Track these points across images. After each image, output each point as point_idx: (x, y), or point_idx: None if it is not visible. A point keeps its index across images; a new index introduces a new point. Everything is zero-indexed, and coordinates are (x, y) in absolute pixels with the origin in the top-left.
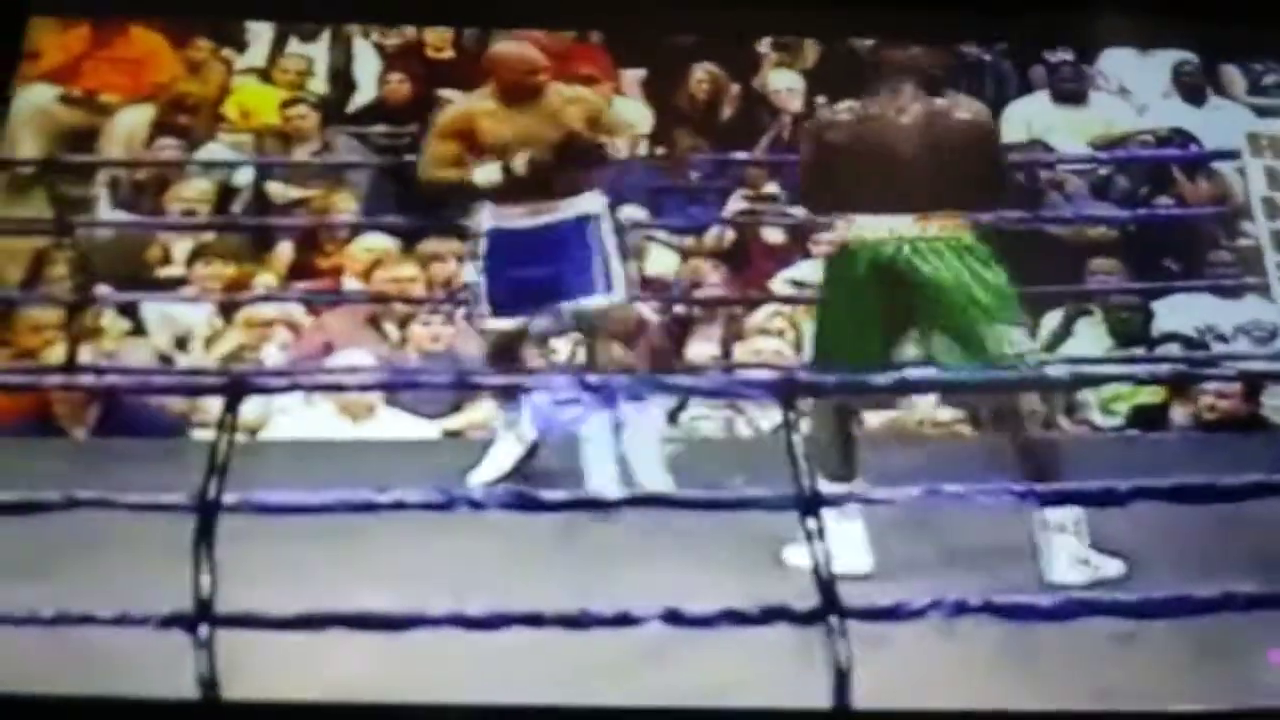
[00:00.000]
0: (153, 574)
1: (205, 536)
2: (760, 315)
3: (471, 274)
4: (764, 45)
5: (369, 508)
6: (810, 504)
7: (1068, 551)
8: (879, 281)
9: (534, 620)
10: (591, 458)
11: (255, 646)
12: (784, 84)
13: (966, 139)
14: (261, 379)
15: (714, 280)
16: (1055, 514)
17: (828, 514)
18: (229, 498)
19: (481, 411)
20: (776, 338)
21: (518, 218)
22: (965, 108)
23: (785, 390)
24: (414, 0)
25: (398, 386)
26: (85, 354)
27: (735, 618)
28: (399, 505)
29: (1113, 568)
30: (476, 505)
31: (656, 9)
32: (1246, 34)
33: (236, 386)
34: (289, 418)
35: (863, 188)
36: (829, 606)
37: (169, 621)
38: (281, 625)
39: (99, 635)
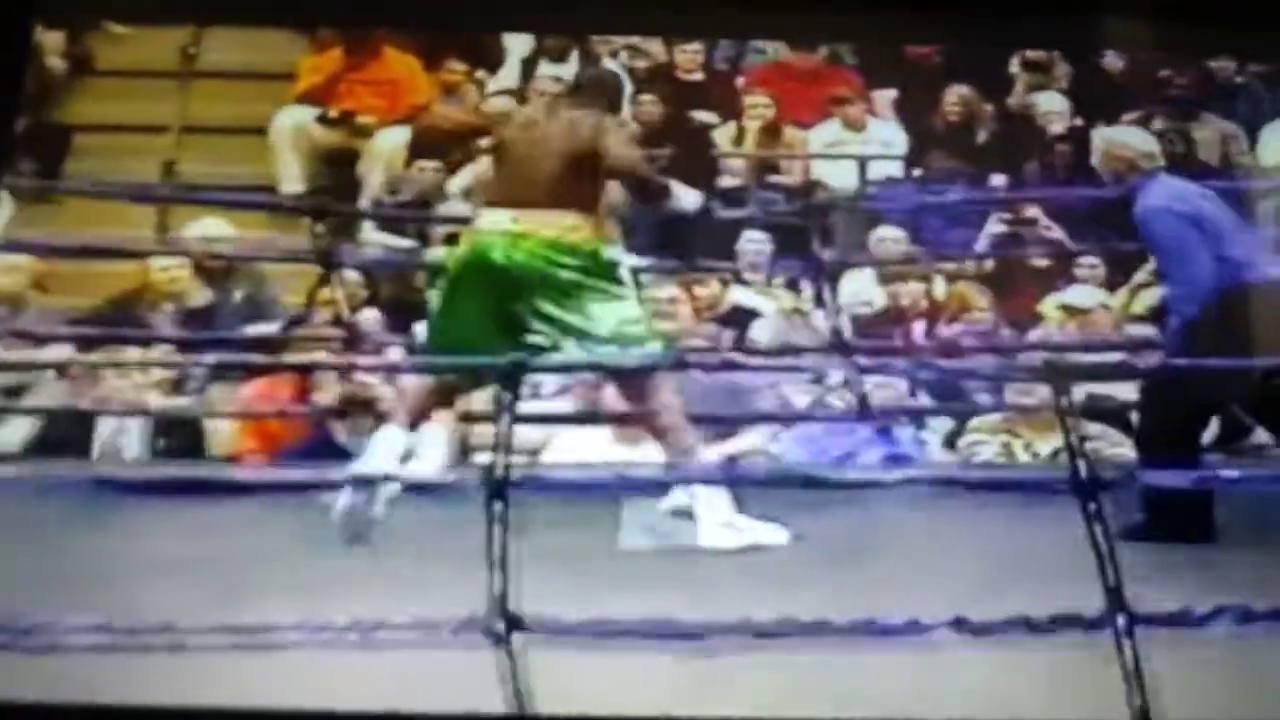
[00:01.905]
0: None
1: (498, 520)
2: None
3: None
4: (1014, 65)
5: (658, 486)
6: (1089, 488)
7: (713, 517)
8: (480, 271)
9: (821, 629)
10: None
11: (550, 654)
12: (1052, 106)
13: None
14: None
15: (982, 305)
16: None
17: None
18: (517, 474)
19: (757, 436)
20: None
21: None
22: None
23: (1058, 374)
24: (663, 14)
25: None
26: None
27: (1024, 625)
28: (685, 480)
29: (768, 534)
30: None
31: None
32: None
33: (516, 368)
34: (567, 441)
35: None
36: (1116, 612)
37: (464, 627)
38: (576, 632)
39: (393, 640)
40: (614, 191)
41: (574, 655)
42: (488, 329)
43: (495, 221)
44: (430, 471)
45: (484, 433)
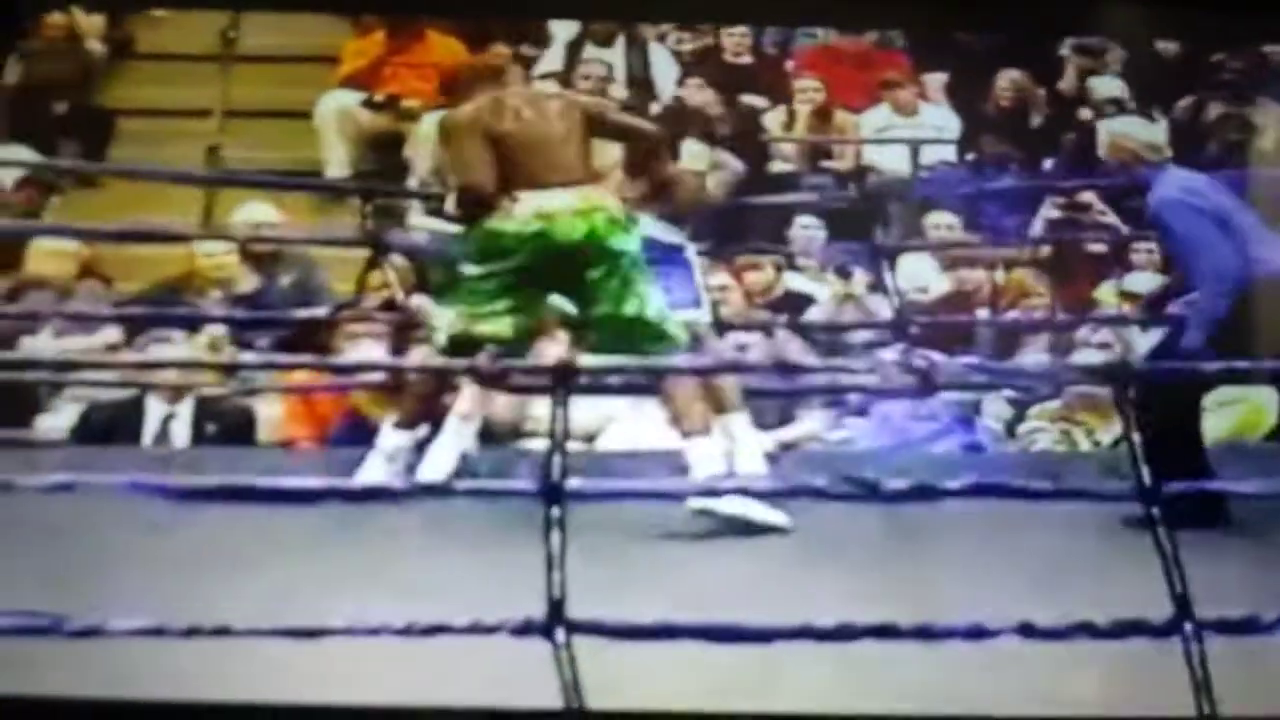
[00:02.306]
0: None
1: (555, 524)
2: (1084, 330)
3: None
4: (1065, 48)
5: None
6: (1151, 494)
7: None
8: (552, 248)
9: (885, 632)
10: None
11: (606, 655)
12: (1109, 91)
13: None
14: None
15: (1040, 291)
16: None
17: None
18: (574, 483)
19: (813, 423)
20: (1099, 350)
21: None
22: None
23: (1118, 376)
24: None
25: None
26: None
27: (1089, 630)
28: (742, 491)
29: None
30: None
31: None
32: None
33: (564, 371)
34: (622, 426)
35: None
36: (1184, 619)
37: (523, 629)
38: (634, 634)
39: (452, 644)
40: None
41: (626, 645)
42: (536, 304)
43: (556, 200)
44: (436, 475)
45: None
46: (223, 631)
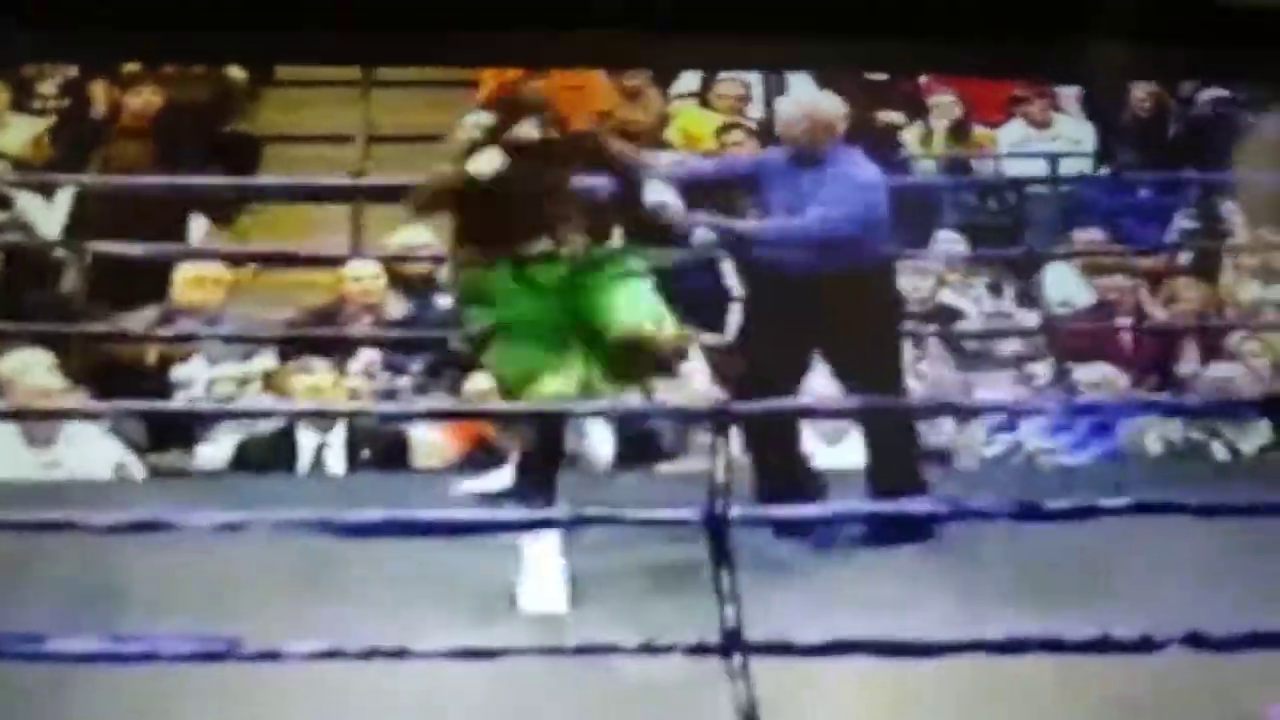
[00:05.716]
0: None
1: (721, 557)
2: (1233, 338)
3: None
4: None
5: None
6: None
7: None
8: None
9: (1054, 645)
10: None
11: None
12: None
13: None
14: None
15: (1190, 296)
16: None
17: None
18: (736, 512)
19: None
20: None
21: None
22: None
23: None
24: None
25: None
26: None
27: (1261, 640)
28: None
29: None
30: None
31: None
32: None
33: (724, 414)
34: None
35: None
36: None
37: (698, 650)
38: (810, 653)
39: (623, 665)
40: None
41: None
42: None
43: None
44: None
45: None
46: (400, 654)
